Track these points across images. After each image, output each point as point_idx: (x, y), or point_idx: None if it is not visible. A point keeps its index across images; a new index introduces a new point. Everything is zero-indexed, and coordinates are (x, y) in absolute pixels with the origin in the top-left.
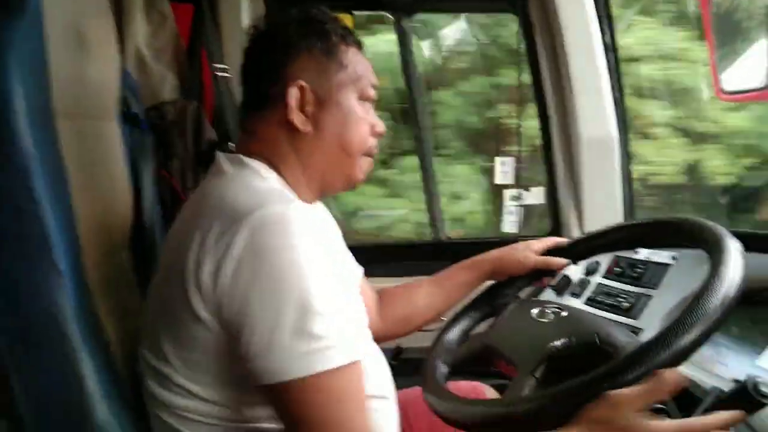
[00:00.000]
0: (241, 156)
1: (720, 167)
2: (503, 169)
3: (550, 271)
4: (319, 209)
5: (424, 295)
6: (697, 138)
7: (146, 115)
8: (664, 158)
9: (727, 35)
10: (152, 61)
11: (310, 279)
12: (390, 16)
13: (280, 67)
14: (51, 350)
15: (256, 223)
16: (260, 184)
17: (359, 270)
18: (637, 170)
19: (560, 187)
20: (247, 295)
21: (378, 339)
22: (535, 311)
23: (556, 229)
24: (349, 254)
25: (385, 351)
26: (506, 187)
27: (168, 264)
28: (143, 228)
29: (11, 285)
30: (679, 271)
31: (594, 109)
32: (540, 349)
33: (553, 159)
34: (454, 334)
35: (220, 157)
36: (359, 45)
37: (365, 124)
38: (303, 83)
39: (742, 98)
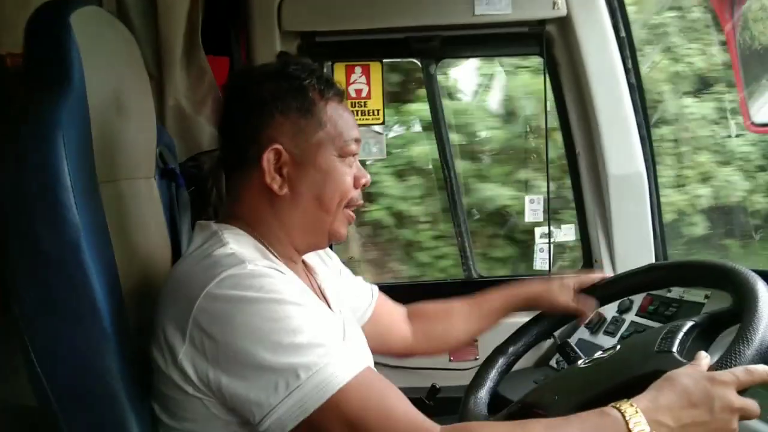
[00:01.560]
0: (212, 223)
1: None
2: (532, 207)
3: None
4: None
5: (462, 316)
6: None
7: (184, 167)
8: None
9: (756, 69)
10: (192, 113)
11: (279, 319)
12: (418, 63)
13: (256, 130)
14: (100, 411)
15: (209, 298)
16: (218, 251)
17: (371, 298)
18: None
19: (591, 225)
20: (228, 364)
21: (404, 354)
22: (580, 362)
23: (588, 266)
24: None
25: (418, 390)
26: (537, 225)
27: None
28: None
29: (63, 349)
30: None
31: (621, 146)
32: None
33: (582, 196)
34: (492, 375)
35: (195, 228)
36: (340, 96)
37: (346, 178)
38: (278, 146)
39: None
